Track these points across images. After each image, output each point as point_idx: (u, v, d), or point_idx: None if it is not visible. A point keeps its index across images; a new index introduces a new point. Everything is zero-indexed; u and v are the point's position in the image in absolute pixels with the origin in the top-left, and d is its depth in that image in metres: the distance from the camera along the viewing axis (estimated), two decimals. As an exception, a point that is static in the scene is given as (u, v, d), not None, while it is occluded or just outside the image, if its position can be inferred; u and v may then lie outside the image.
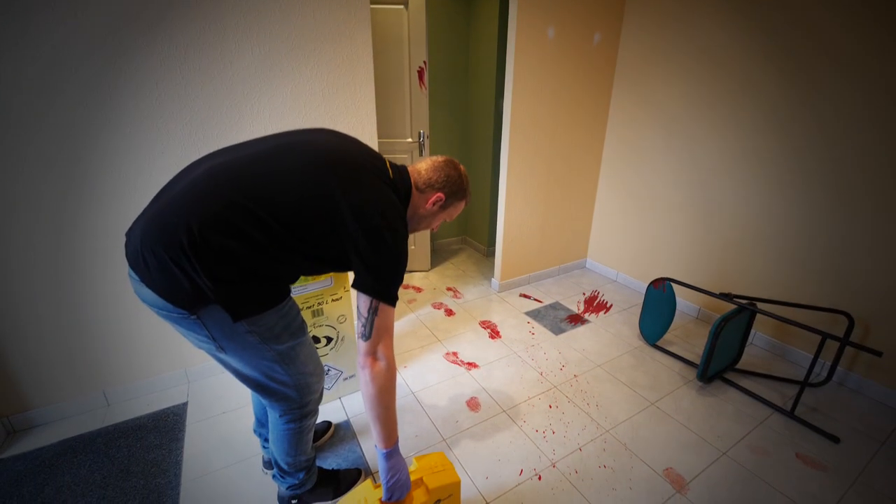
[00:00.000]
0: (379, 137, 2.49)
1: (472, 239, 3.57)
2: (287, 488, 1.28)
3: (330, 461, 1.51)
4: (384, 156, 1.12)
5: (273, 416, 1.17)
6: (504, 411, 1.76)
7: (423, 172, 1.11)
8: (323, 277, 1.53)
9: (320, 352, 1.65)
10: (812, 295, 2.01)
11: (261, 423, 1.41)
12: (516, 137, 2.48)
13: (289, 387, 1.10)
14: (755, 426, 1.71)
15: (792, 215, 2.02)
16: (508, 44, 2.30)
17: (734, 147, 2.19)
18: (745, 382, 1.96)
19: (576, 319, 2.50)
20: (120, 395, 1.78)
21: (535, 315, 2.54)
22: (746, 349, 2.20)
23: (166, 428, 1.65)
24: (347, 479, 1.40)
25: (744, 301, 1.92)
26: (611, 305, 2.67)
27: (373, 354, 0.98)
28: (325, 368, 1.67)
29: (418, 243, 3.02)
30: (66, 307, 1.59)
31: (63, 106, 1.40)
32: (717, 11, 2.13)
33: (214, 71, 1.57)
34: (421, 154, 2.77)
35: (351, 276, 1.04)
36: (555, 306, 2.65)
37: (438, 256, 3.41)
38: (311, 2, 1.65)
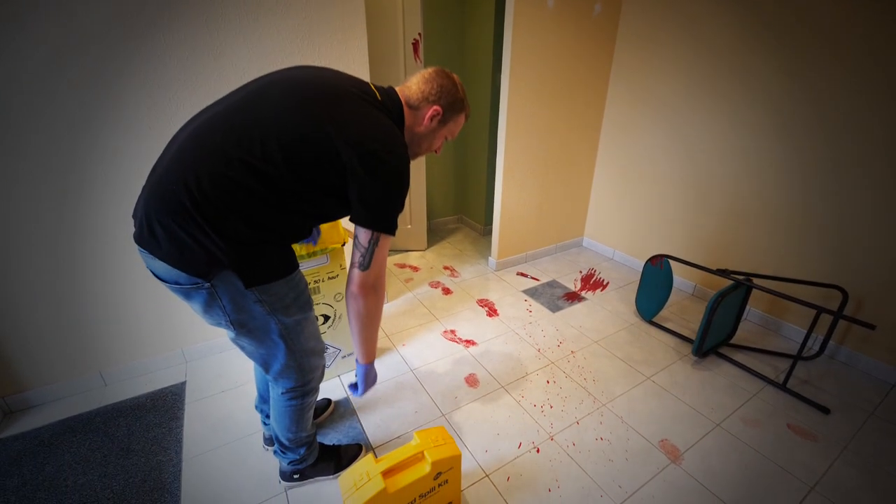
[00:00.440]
0: (373, 113, 2.43)
1: (469, 218, 3.55)
2: (289, 463, 1.29)
3: (331, 437, 1.52)
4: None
5: (275, 392, 1.17)
6: (502, 387, 1.78)
7: (414, 87, 1.02)
8: (319, 255, 1.51)
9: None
10: (807, 271, 2.03)
11: (263, 399, 1.41)
12: (514, 114, 2.42)
13: (291, 365, 1.10)
14: (748, 398, 1.74)
15: (786, 191, 2.02)
16: (506, 15, 2.22)
17: (730, 124, 2.16)
18: (739, 357, 1.99)
19: (573, 297, 2.51)
20: (117, 376, 1.77)
21: (532, 293, 2.55)
22: (740, 325, 2.23)
23: (165, 407, 1.65)
24: (348, 454, 1.41)
25: (740, 277, 1.93)
26: (607, 283, 2.68)
27: (371, 286, 0.99)
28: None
29: (414, 222, 2.99)
30: (62, 288, 1.56)
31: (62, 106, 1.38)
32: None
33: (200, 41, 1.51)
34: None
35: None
36: (552, 284, 2.66)
37: (435, 235, 3.39)
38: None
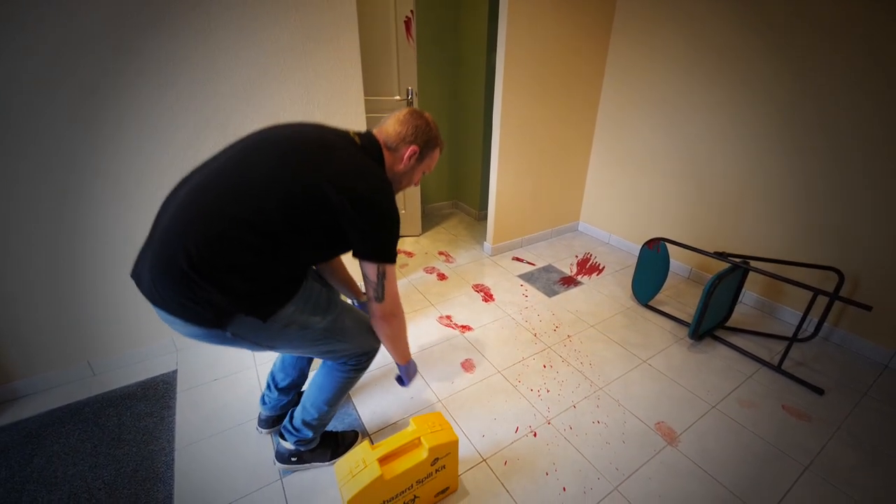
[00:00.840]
0: (366, 95, 2.36)
1: (464, 203, 3.51)
2: (295, 442, 1.28)
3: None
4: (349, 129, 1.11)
5: (332, 365, 1.20)
6: (499, 372, 1.77)
7: (391, 130, 1.08)
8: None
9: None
10: (803, 253, 2.02)
11: (273, 386, 1.40)
12: (509, 95, 2.37)
13: (348, 350, 1.16)
14: (743, 380, 1.75)
15: (782, 175, 2.00)
16: (502, -10, 2.15)
17: (724, 109, 2.12)
18: (735, 339, 2.00)
19: (569, 281, 2.49)
20: (106, 365, 1.73)
21: (528, 278, 2.53)
22: (736, 308, 2.23)
23: (156, 396, 1.62)
24: (345, 440, 1.40)
25: (737, 259, 1.92)
26: (603, 267, 2.67)
27: (390, 312, 1.09)
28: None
29: (408, 207, 2.94)
30: (49, 277, 1.50)
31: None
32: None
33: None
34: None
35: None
36: (548, 269, 2.64)
37: (429, 221, 3.34)
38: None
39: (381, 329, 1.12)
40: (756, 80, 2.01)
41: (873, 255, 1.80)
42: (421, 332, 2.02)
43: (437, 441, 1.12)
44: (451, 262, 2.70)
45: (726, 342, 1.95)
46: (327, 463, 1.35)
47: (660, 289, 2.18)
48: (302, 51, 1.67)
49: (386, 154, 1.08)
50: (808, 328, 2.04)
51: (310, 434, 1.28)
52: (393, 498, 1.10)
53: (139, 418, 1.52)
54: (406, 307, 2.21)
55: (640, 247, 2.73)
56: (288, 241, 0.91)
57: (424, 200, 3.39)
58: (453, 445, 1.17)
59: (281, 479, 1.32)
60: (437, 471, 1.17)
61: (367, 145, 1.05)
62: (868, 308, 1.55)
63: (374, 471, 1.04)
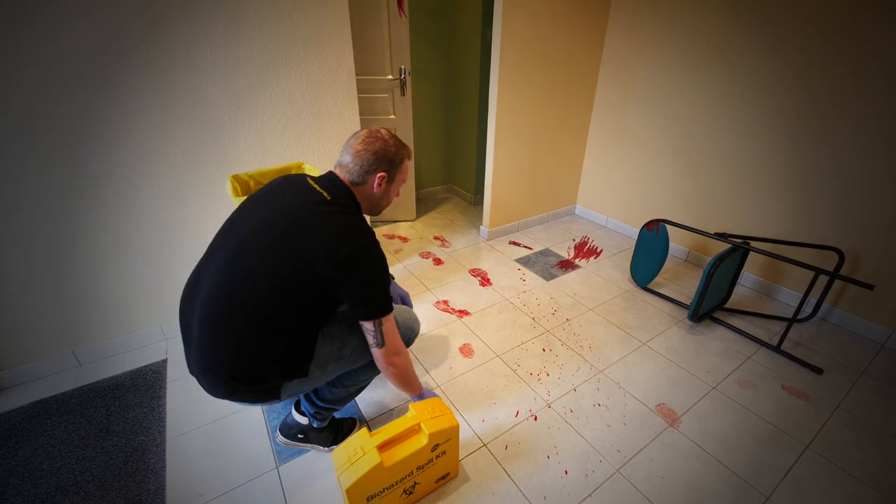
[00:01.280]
0: (357, 75, 2.27)
1: (459, 187, 3.44)
2: (313, 414, 1.27)
3: (322, 411, 1.47)
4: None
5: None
6: (498, 356, 1.74)
7: (352, 166, 1.06)
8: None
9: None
10: (802, 233, 2.00)
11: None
12: (506, 75, 2.29)
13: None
14: (743, 361, 1.74)
15: (781, 155, 1.96)
16: (498, -38, 2.06)
17: (721, 89, 2.07)
18: (734, 321, 1.99)
19: (566, 265, 2.46)
20: (92, 355, 1.67)
21: (525, 262, 2.49)
22: (734, 290, 2.22)
23: (146, 386, 1.57)
24: (344, 427, 1.38)
25: (737, 240, 1.90)
26: (601, 251, 2.64)
27: (393, 353, 1.09)
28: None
29: (403, 192, 2.88)
30: (32, 263, 1.44)
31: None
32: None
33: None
34: (403, 94, 2.57)
35: None
36: (545, 253, 2.60)
37: (424, 205, 3.28)
38: None
39: (387, 371, 1.12)
40: (752, 58, 1.96)
41: (874, 236, 1.78)
42: (418, 317, 1.98)
43: (438, 427, 1.10)
44: (447, 247, 2.65)
45: (725, 323, 1.94)
46: (326, 448, 1.32)
47: (658, 271, 2.15)
48: (289, 19, 1.58)
49: (356, 191, 1.07)
50: (807, 309, 2.03)
51: (326, 416, 1.29)
52: (393, 485, 1.07)
53: (128, 409, 1.47)
54: (402, 292, 2.16)
55: (637, 230, 2.71)
56: (300, 319, 0.99)
57: (419, 185, 3.33)
58: (454, 431, 1.14)
59: (277, 468, 1.28)
60: (437, 457, 1.14)
61: (335, 193, 1.03)
62: (870, 287, 1.54)
63: (374, 458, 1.00)
